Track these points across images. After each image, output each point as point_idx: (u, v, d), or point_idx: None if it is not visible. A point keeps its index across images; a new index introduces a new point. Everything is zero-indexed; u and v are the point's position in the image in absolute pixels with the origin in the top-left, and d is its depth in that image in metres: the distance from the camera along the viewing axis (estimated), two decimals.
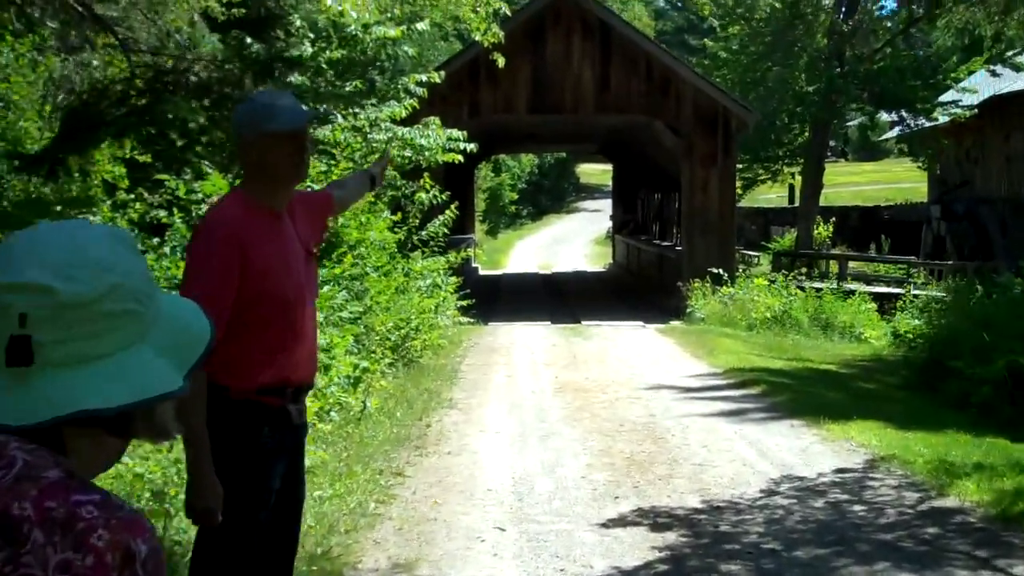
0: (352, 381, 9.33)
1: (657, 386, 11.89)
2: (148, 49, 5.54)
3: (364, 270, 11.64)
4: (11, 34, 6.02)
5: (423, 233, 14.15)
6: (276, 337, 3.36)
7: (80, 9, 5.24)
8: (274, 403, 3.39)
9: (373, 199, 12.76)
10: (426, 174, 14.03)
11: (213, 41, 6.17)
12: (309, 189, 10.00)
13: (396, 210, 14.18)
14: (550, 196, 62.65)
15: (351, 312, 10.25)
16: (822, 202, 33.10)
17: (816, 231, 32.59)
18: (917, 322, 16.94)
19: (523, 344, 15.84)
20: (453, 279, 15.15)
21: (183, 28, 5.90)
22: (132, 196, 8.63)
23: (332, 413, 8.75)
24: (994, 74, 29.49)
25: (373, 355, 10.77)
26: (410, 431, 9.03)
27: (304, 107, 3.53)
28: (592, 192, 68.44)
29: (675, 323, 19.25)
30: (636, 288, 27.18)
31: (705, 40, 36.16)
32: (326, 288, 9.84)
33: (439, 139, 14.36)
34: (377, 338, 11.17)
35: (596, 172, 68.70)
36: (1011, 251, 30.99)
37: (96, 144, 4.67)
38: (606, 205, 48.78)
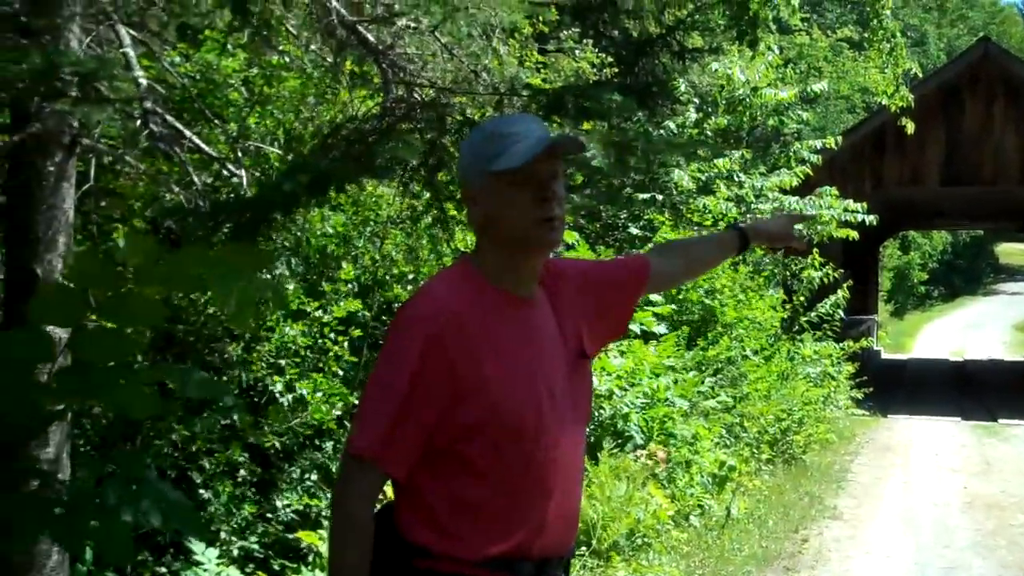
0: (717, 480, 8.19)
1: None
2: (414, 80, 4.79)
3: (741, 353, 10.49)
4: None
5: (812, 314, 12.76)
6: (508, 484, 2.22)
7: (345, 32, 4.59)
8: None
9: (751, 274, 11.63)
10: (816, 250, 12.69)
11: (522, 78, 5.31)
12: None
13: (784, 289, 12.98)
14: (964, 277, 58.03)
15: (720, 402, 9.13)
16: None
17: None
18: None
19: (925, 443, 13.90)
20: (848, 366, 13.57)
21: (489, 65, 5.11)
22: None
23: (692, 518, 7.66)
24: None
25: (749, 448, 9.59)
26: (782, 546, 7.71)
27: (550, 131, 2.29)
28: (1013, 273, 62.90)
29: None
30: None
31: None
32: (691, 374, 8.80)
33: (834, 210, 12.98)
34: (754, 430, 9.94)
35: (1018, 252, 63.23)
36: None
37: (299, 202, 3.89)
38: None
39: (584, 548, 6.35)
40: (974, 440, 14.32)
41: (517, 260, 2.28)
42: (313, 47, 5.34)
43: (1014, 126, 19.05)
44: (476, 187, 2.27)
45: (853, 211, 13.28)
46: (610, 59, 11.48)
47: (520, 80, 5.54)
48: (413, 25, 5.14)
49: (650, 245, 10.57)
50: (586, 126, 5.54)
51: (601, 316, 2.48)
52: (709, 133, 13.37)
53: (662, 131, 13.13)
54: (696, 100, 13.74)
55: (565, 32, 11.30)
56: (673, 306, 10.32)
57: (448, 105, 4.78)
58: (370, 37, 5.09)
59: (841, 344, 13.21)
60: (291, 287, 5.62)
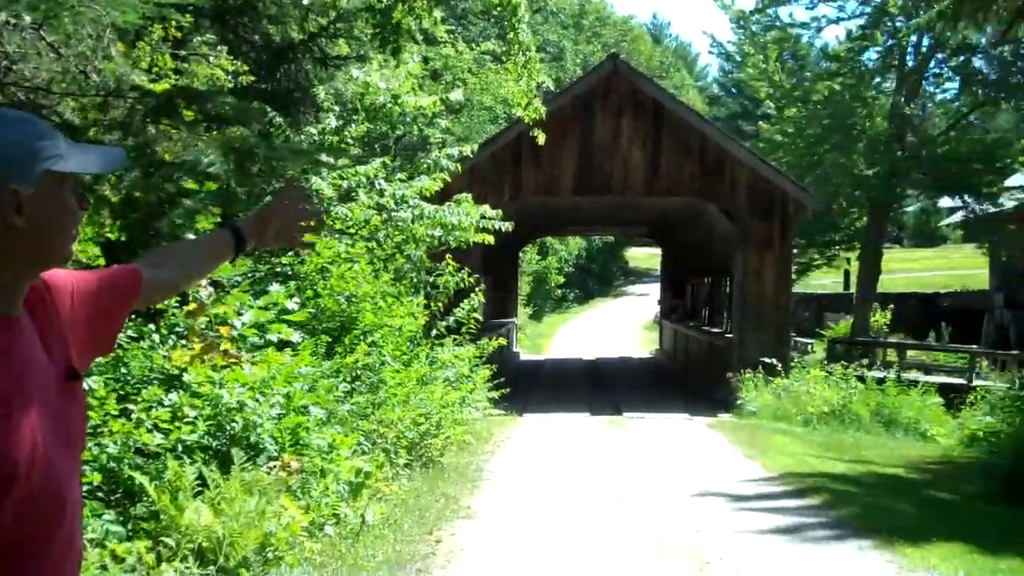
0: (353, 488, 8.20)
1: (704, 493, 10.64)
2: (6, 80, 4.52)
3: (380, 359, 10.58)
4: None
5: (450, 319, 13.09)
6: (17, 548, 1.85)
7: None
8: None
9: (392, 281, 11.77)
10: (449, 256, 13.02)
11: (132, 78, 5.08)
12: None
13: (425, 295, 13.21)
14: (598, 280, 61.65)
15: (355, 405, 9.17)
16: (878, 288, 31.87)
17: (873, 318, 31.30)
18: (990, 419, 15.57)
19: (559, 438, 14.64)
20: (485, 368, 14.03)
21: (100, 66, 4.88)
22: None
23: (327, 527, 7.63)
24: None
25: (386, 454, 9.67)
26: (416, 548, 7.84)
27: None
28: (641, 276, 67.51)
29: (724, 416, 17.98)
30: (683, 377, 25.93)
31: (760, 124, 35.32)
32: (328, 381, 8.78)
33: (471, 217, 13.37)
34: (392, 436, 10.05)
35: (645, 256, 67.93)
36: None
37: None
38: (655, 290, 47.72)
39: (211, 567, 6.18)
40: (602, 434, 15.22)
41: (28, 275, 1.96)
42: None
43: (640, 140, 20.37)
44: (25, 187, 1.87)
45: (490, 219, 13.73)
46: (246, 66, 11.24)
47: (127, 81, 5.28)
48: (13, 21, 4.80)
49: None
50: (214, 134, 5.39)
51: (90, 330, 2.19)
52: (350, 140, 13.41)
53: (302, 137, 13.04)
54: (336, 107, 13.72)
55: (199, 38, 10.95)
56: (312, 312, 10.28)
57: (49, 106, 4.49)
58: None
59: (478, 346, 13.62)
60: None
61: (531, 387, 22.37)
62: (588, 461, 12.68)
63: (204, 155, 4.52)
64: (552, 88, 17.61)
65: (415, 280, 12.91)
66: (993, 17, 11.76)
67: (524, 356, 32.31)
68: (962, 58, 27.88)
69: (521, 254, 38.83)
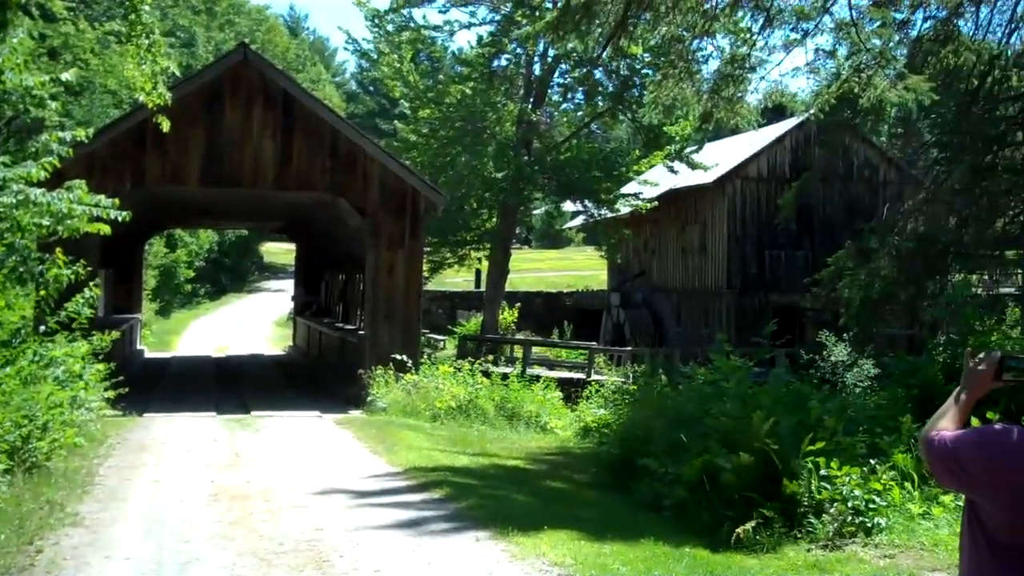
0: None
1: (329, 490, 10.53)
2: None
3: None
4: None
5: (62, 314, 12.19)
6: None
7: None
8: None
9: None
10: (59, 249, 12.11)
11: None
12: None
13: (36, 286, 12.23)
14: (231, 275, 60.09)
15: None
16: (507, 287, 33.14)
17: (501, 316, 32.49)
18: (603, 412, 16.52)
19: (180, 439, 14.04)
20: (100, 366, 13.20)
21: None
22: None
23: None
24: (671, 170, 30.55)
25: None
26: (12, 560, 7.21)
27: None
28: (276, 272, 66.58)
29: (355, 413, 17.99)
30: (316, 374, 25.76)
31: (396, 122, 35.69)
32: None
33: (84, 205, 12.48)
34: None
35: (281, 251, 67.06)
36: (684, 338, 32.14)
37: None
38: (291, 285, 47.30)
39: None
40: (227, 433, 14.76)
41: None
42: None
43: (271, 131, 19.94)
44: None
45: (105, 207, 12.90)
46: None
47: None
48: None
49: None
50: None
51: None
52: None
53: None
54: None
55: None
56: None
57: None
58: None
59: (91, 342, 12.79)
60: None
61: (154, 386, 21.42)
62: (211, 462, 12.24)
63: None
64: (176, 73, 16.81)
65: (21, 272, 11.91)
66: (596, 29, 12.40)
67: (149, 354, 30.94)
68: (584, 70, 29.39)
69: (147, 246, 37.18)
